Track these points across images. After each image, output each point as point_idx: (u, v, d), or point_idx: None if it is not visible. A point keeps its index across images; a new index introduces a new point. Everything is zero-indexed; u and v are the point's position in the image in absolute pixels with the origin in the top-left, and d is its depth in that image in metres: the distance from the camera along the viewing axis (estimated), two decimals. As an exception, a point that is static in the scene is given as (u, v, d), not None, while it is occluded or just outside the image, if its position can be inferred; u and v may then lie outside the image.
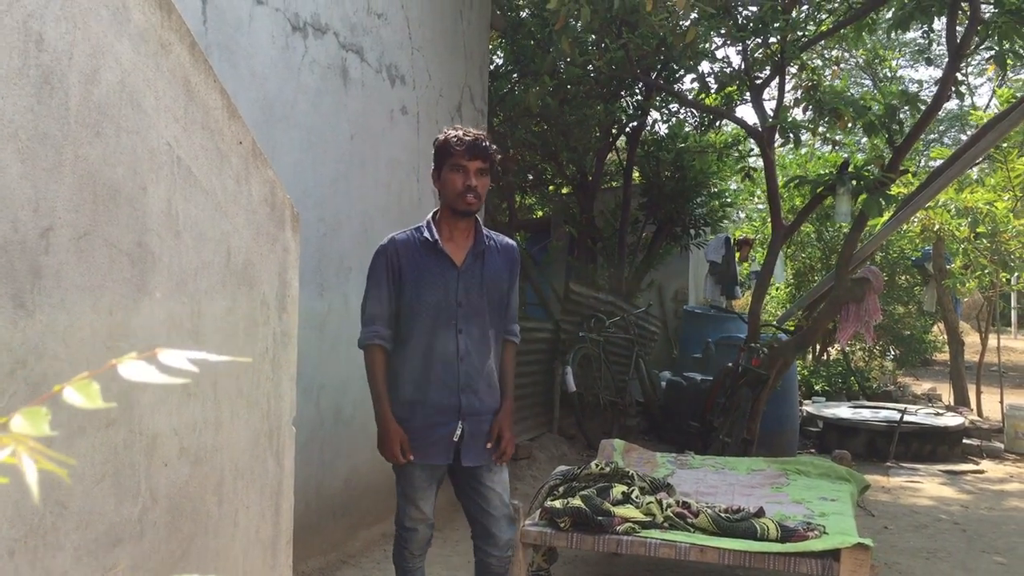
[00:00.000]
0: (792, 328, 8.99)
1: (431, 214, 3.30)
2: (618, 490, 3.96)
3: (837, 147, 9.02)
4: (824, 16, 8.27)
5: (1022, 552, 5.66)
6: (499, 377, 3.30)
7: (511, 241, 3.41)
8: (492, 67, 8.52)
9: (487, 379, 3.21)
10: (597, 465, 4.34)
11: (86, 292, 1.72)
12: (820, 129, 7.74)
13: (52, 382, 1.65)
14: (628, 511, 3.74)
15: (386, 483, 5.30)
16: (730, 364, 7.76)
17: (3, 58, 1.52)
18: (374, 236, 5.09)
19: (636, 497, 3.93)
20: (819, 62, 10.49)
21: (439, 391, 3.15)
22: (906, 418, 8.84)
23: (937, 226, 10.67)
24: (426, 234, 3.19)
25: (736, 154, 10.60)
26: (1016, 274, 11.26)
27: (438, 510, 5.91)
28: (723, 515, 3.76)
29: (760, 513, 3.81)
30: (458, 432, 3.16)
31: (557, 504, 3.77)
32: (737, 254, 12.13)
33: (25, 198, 1.57)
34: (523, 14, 8.16)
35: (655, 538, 3.60)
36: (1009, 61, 6.57)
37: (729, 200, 11.31)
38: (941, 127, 22.18)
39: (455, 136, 3.14)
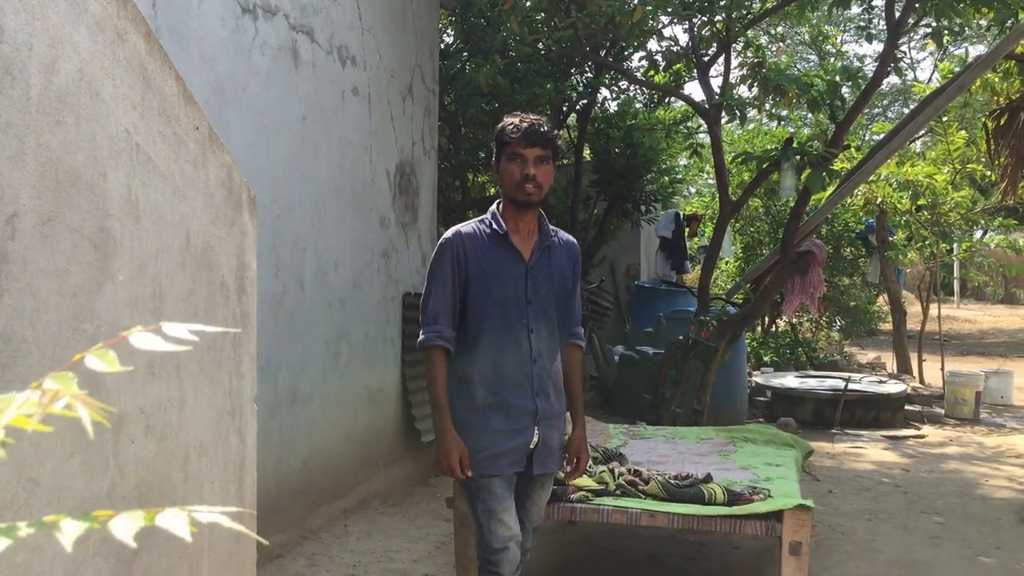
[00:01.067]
0: (741, 301, 9.20)
1: (495, 205, 3.07)
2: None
3: (783, 123, 9.20)
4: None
5: (959, 512, 5.91)
6: (566, 384, 3.13)
7: (572, 238, 3.21)
8: (442, 46, 8.55)
9: (556, 382, 3.05)
10: (551, 437, 4.45)
11: (51, 276, 1.77)
12: (766, 106, 7.92)
13: (21, 363, 1.70)
14: (582, 480, 3.86)
15: (343, 459, 5.40)
16: (681, 337, 7.93)
17: (-35, 50, 1.56)
18: (327, 217, 5.15)
19: (589, 466, 4.05)
20: (765, 39, 10.67)
21: (515, 394, 2.94)
22: (850, 386, 9.11)
23: (880, 199, 10.95)
24: (494, 226, 2.97)
25: (685, 131, 10.75)
26: (955, 244, 11.59)
27: (395, 485, 6.04)
28: (672, 482, 3.91)
29: (708, 479, 3.96)
30: (535, 439, 2.96)
31: (512, 475, 3.87)
32: (687, 229, 12.33)
33: (-10, 186, 1.62)
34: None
35: (607, 505, 3.73)
36: (947, 37, 6.76)
37: (679, 176, 11.48)
38: (885, 101, 22.60)
39: (511, 123, 2.93)
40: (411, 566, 4.57)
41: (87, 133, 1.86)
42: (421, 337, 2.98)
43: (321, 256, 5.06)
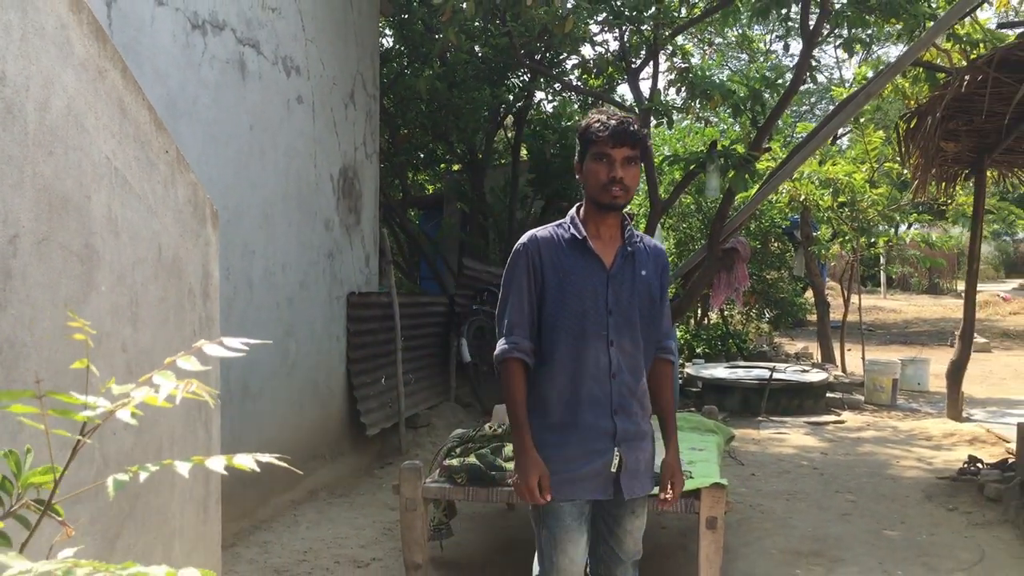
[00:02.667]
0: (672, 295, 9.61)
1: (574, 208, 2.85)
2: (509, 448, 4.38)
3: (711, 124, 9.63)
4: (696, 2, 8.83)
5: (870, 490, 6.37)
6: (655, 401, 2.91)
7: (659, 243, 2.99)
8: (383, 49, 8.79)
9: (640, 399, 2.81)
10: (491, 427, 4.76)
11: (46, 289, 2.02)
12: (695, 108, 8.33)
13: (23, 365, 1.95)
14: (518, 466, 4.17)
15: (292, 452, 5.63)
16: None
17: (-24, 95, 1.80)
18: (275, 221, 5.38)
19: (525, 453, 4.37)
20: (694, 42, 11.11)
21: (592, 412, 2.72)
22: (775, 376, 9.59)
23: (803, 196, 11.48)
24: (572, 231, 2.76)
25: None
26: (872, 239, 12.19)
27: (342, 476, 6.28)
28: (602, 465, 4.24)
29: (634, 462, 4.30)
30: (615, 461, 2.71)
31: (455, 462, 4.17)
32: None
33: (-4, 212, 1.86)
34: (410, 1, 8.43)
35: (542, 488, 4.05)
36: (856, 47, 7.22)
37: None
38: (812, 99, 23.40)
39: (597, 121, 2.71)
40: (359, 551, 4.84)
41: (74, 161, 2.10)
42: (497, 349, 2.77)
43: (269, 259, 5.30)
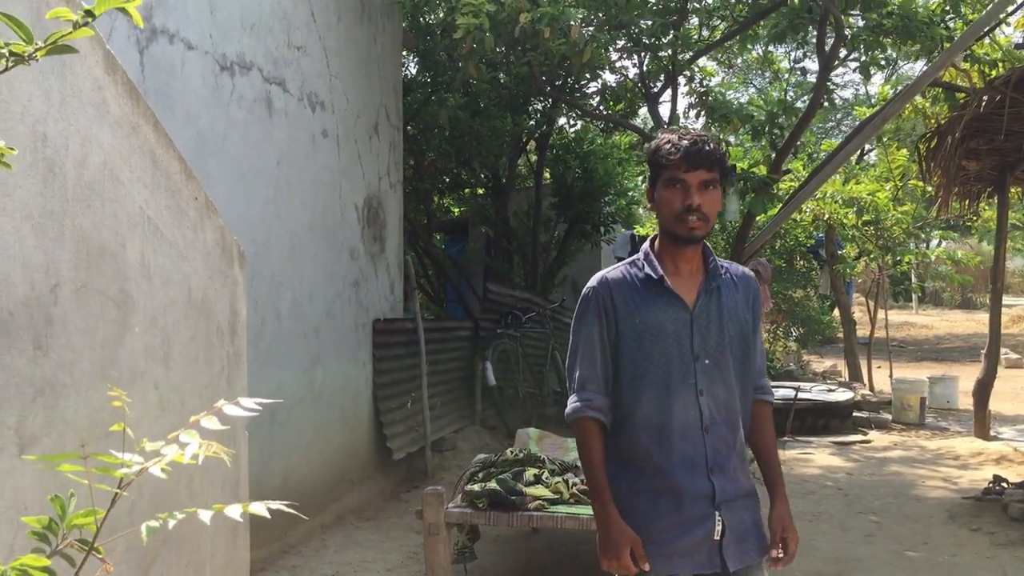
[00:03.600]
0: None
1: (648, 242, 2.53)
2: (530, 473, 4.48)
3: (732, 146, 9.72)
4: (716, 24, 8.95)
5: (894, 511, 6.39)
6: (757, 448, 2.58)
7: (747, 270, 2.64)
8: (407, 77, 8.99)
9: (739, 453, 2.46)
10: (512, 452, 4.86)
11: (85, 333, 2.16)
12: (713, 131, 8.43)
13: (63, 404, 2.09)
14: (538, 490, 4.27)
15: (320, 478, 5.77)
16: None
17: (21, 157, 1.96)
18: (301, 252, 5.55)
19: (546, 478, 4.47)
20: (715, 64, 11.22)
21: (685, 474, 2.37)
22: (800, 395, 9.61)
23: (827, 215, 11.52)
24: (647, 269, 2.44)
25: (638, 156, 11.27)
26: (898, 257, 12.20)
27: (369, 500, 6.42)
28: (621, 490, 4.32)
29: (653, 486, 4.38)
30: (718, 528, 2.36)
31: (476, 487, 4.27)
32: (642, 249, 12.86)
33: (39, 263, 2.02)
34: (433, 33, 8.62)
35: (561, 512, 4.14)
36: (873, 70, 7.30)
37: (636, 199, 12.00)
38: (838, 115, 23.36)
39: (668, 142, 2.38)
40: (385, 575, 4.95)
41: (111, 212, 2.25)
42: (568, 408, 2.49)
43: (296, 289, 5.45)
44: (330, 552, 5.32)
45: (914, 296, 25.33)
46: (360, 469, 6.37)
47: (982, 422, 8.99)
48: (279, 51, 5.26)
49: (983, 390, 8.90)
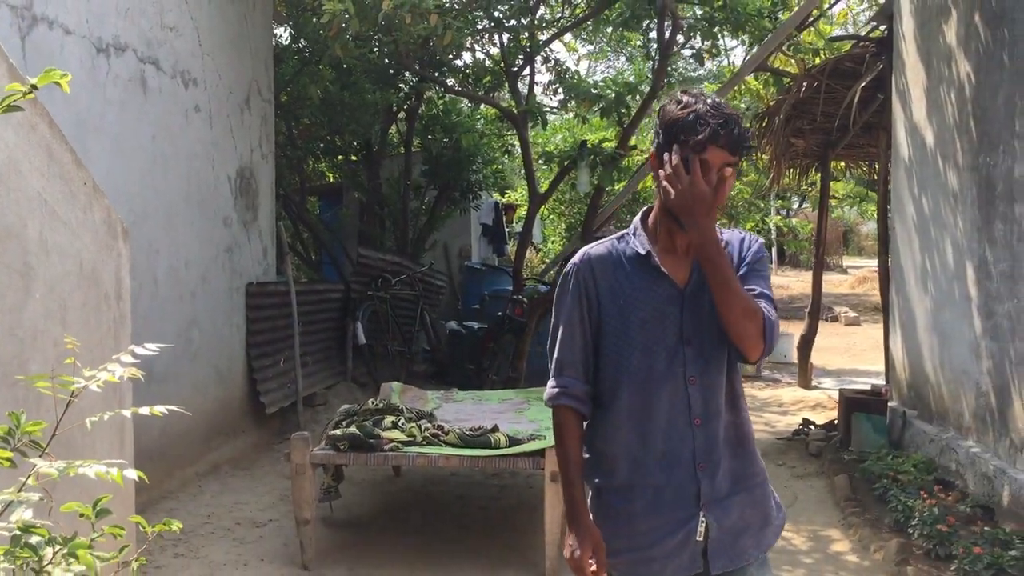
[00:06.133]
0: (551, 281, 10.44)
1: (640, 214, 2.28)
2: (388, 420, 5.08)
3: (587, 122, 10.45)
4: (577, 2, 9.60)
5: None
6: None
7: (743, 231, 2.34)
8: (279, 48, 9.31)
9: (732, 449, 2.19)
10: (374, 402, 5.45)
11: (-4, 299, 2.63)
12: (571, 107, 9.11)
13: (-20, 359, 2.56)
14: (394, 434, 4.87)
15: (196, 430, 6.23)
16: (500, 314, 9.07)
17: (-57, 157, 2.41)
18: (177, 221, 5.94)
19: (402, 424, 5.07)
20: (578, 42, 11.90)
21: (668, 471, 2.14)
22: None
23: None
24: (634, 245, 2.20)
25: (497, 131, 11.91)
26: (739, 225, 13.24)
27: (243, 451, 6.90)
28: (467, 432, 4.96)
29: (495, 429, 5.04)
30: (701, 529, 2.14)
31: (338, 432, 4.85)
32: (505, 217, 13.57)
33: (-41, 243, 2.47)
34: (304, 8, 8.97)
35: (413, 452, 4.76)
36: (705, 56, 8.10)
37: (500, 169, 12.64)
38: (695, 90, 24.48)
39: (691, 112, 2.03)
40: (257, 514, 5.48)
41: (14, 199, 2.71)
42: (545, 393, 2.29)
43: (172, 256, 5.86)
44: (206, 497, 5.81)
45: (774, 259, 26.93)
46: (235, 422, 6.84)
47: (805, 373, 10.08)
48: (152, 32, 5.61)
49: (806, 345, 9.99)
